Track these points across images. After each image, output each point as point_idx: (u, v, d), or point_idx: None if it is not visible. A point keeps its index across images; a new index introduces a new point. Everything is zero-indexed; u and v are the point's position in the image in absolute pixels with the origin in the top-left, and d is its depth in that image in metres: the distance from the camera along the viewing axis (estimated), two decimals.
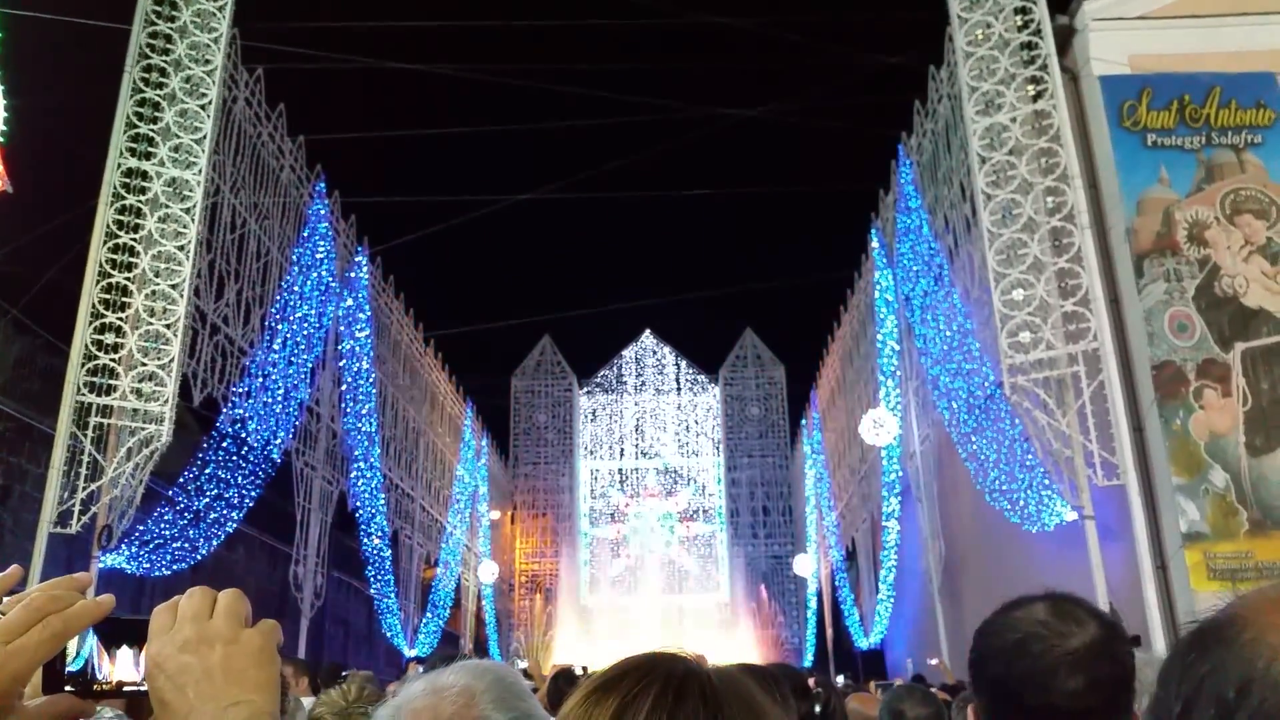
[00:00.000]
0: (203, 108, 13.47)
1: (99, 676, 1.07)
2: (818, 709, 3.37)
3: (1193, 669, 0.80)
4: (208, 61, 13.59)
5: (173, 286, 12.68)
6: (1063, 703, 1.56)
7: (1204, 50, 12.92)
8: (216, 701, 0.98)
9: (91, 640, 1.07)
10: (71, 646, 1.06)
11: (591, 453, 32.73)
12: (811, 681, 3.51)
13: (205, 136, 13.42)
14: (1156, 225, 12.42)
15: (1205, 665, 0.79)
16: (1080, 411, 11.69)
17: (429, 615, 24.44)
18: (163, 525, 13.18)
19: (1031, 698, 1.59)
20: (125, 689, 1.08)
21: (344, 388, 19.64)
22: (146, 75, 13.14)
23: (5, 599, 1.05)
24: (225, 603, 1.07)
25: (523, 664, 15.89)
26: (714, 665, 1.06)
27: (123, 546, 12.16)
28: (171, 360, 12.47)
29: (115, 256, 12.37)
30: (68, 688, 1.06)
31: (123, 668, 1.08)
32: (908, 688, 4.97)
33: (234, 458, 14.59)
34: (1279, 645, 0.75)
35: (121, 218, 12.53)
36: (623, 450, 32.76)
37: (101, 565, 11.81)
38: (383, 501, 20.75)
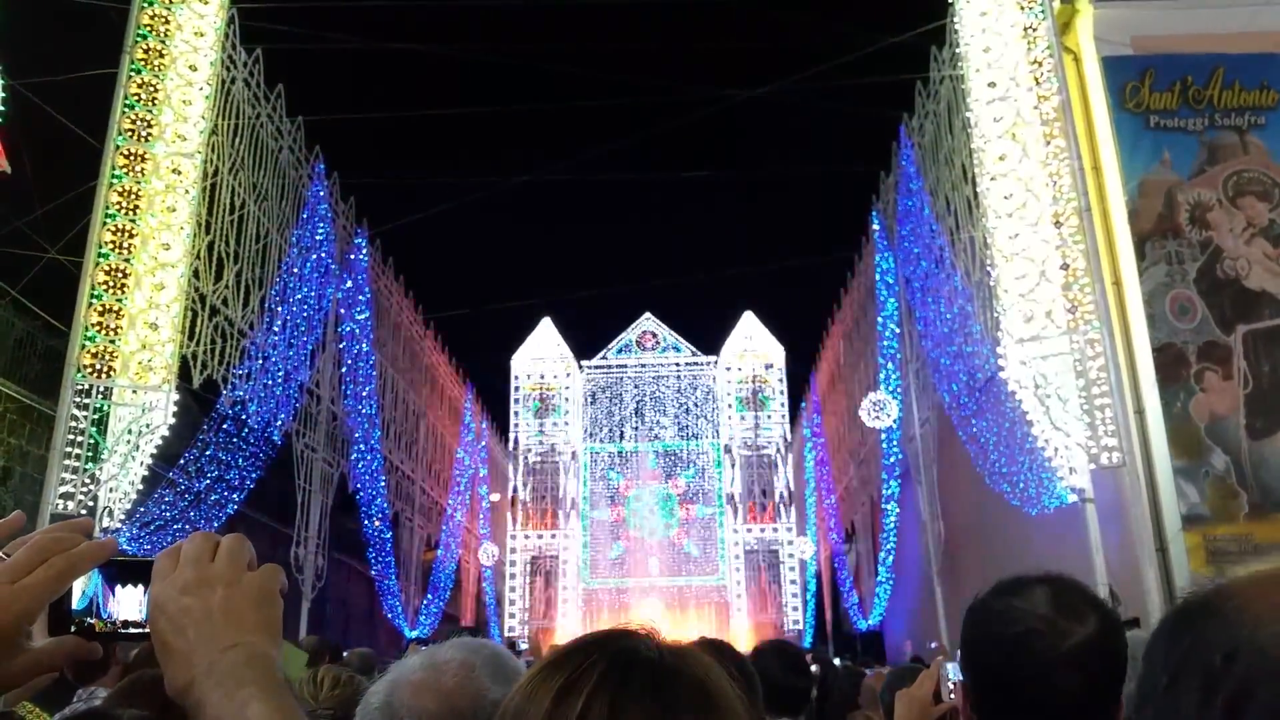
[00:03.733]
0: (201, 88, 13.43)
1: (104, 615, 1.08)
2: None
3: (1178, 642, 0.81)
4: (206, 42, 13.54)
5: (172, 268, 12.67)
6: (1058, 699, 1.58)
7: (1207, 31, 12.86)
8: (216, 643, 0.99)
9: (96, 579, 1.08)
10: (77, 586, 1.06)
11: (591, 435, 32.72)
12: (809, 658, 3.51)
13: (203, 117, 13.40)
14: (1159, 207, 12.39)
15: (1190, 637, 0.80)
16: (1081, 394, 11.69)
17: (430, 597, 24.53)
18: (163, 507, 13.20)
19: (1028, 692, 1.60)
20: (125, 630, 1.09)
21: (344, 370, 19.64)
22: (145, 56, 13.09)
23: (9, 542, 1.05)
24: (227, 546, 1.07)
25: (523, 646, 15.95)
26: (672, 641, 1.02)
27: (124, 528, 12.18)
28: (171, 342, 12.48)
29: (114, 238, 12.34)
30: (72, 628, 1.06)
31: (127, 606, 1.09)
32: (909, 668, 5.02)
33: (234, 440, 14.60)
34: (1263, 615, 0.76)
35: (120, 199, 12.49)
36: (622, 433, 32.73)
37: None
38: (383, 484, 20.79)
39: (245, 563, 1.07)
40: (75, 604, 1.07)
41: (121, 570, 1.10)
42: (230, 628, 1.00)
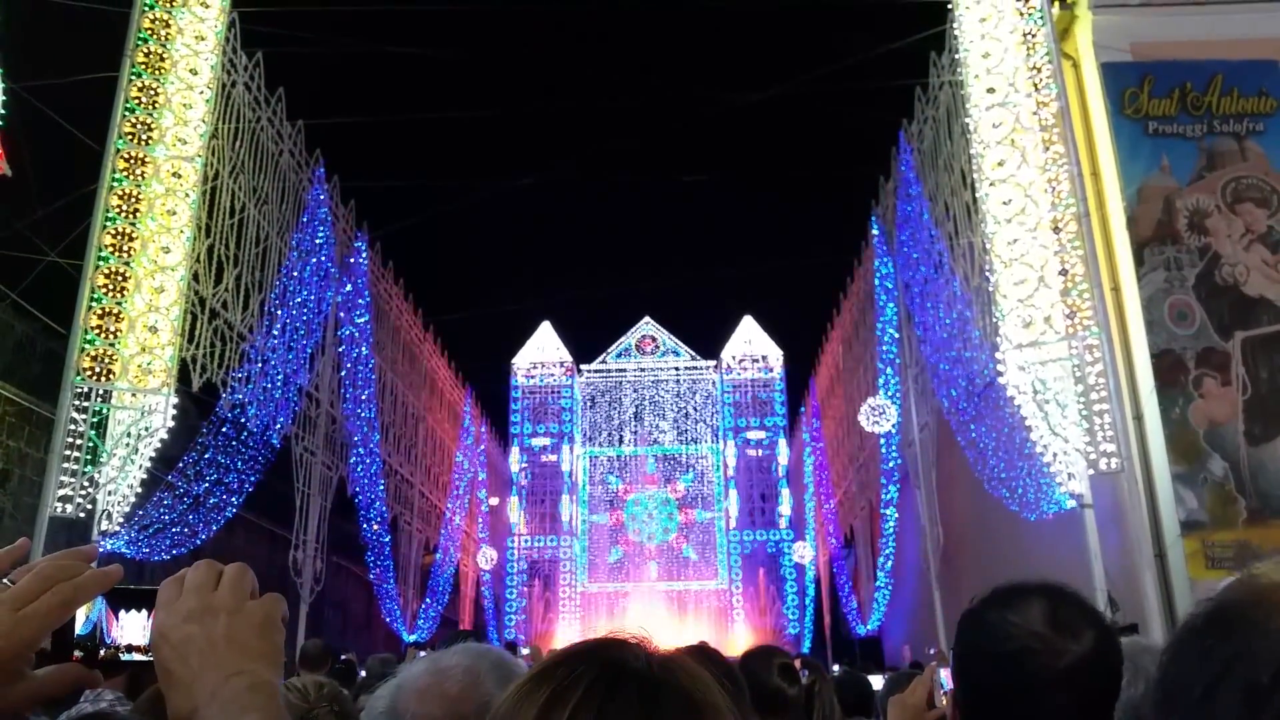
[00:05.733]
0: (201, 92, 13.45)
1: (107, 641, 1.09)
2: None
3: (1215, 652, 0.77)
4: (206, 45, 13.56)
5: (171, 271, 12.68)
6: (1048, 717, 1.56)
7: (1206, 37, 12.88)
8: (219, 671, 0.99)
9: (100, 605, 1.08)
10: (80, 612, 1.07)
11: (590, 439, 32.70)
12: (798, 663, 3.50)
13: (204, 121, 13.41)
14: (1157, 213, 12.41)
15: (1230, 649, 0.76)
16: (1079, 399, 11.69)
17: (428, 601, 24.51)
18: (162, 510, 13.19)
19: (1019, 710, 1.58)
20: (128, 656, 1.10)
21: (343, 373, 19.63)
22: (146, 59, 13.11)
23: (14, 569, 1.06)
24: (230, 574, 1.08)
25: (525, 651, 15.94)
26: (667, 651, 0.99)
27: (122, 531, 12.18)
28: (170, 345, 12.48)
29: (114, 241, 12.35)
30: (76, 653, 1.07)
31: (130, 631, 1.09)
32: (907, 674, 5.03)
33: (233, 443, 14.59)
34: None
35: (120, 202, 12.51)
36: (621, 437, 32.72)
37: (101, 550, 11.83)
38: (382, 487, 20.78)
39: (248, 591, 1.08)
40: (79, 629, 1.08)
41: (125, 596, 1.10)
42: (233, 655, 1.01)
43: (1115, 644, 1.62)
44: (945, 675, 2.48)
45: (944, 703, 2.41)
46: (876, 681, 6.74)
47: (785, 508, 31.31)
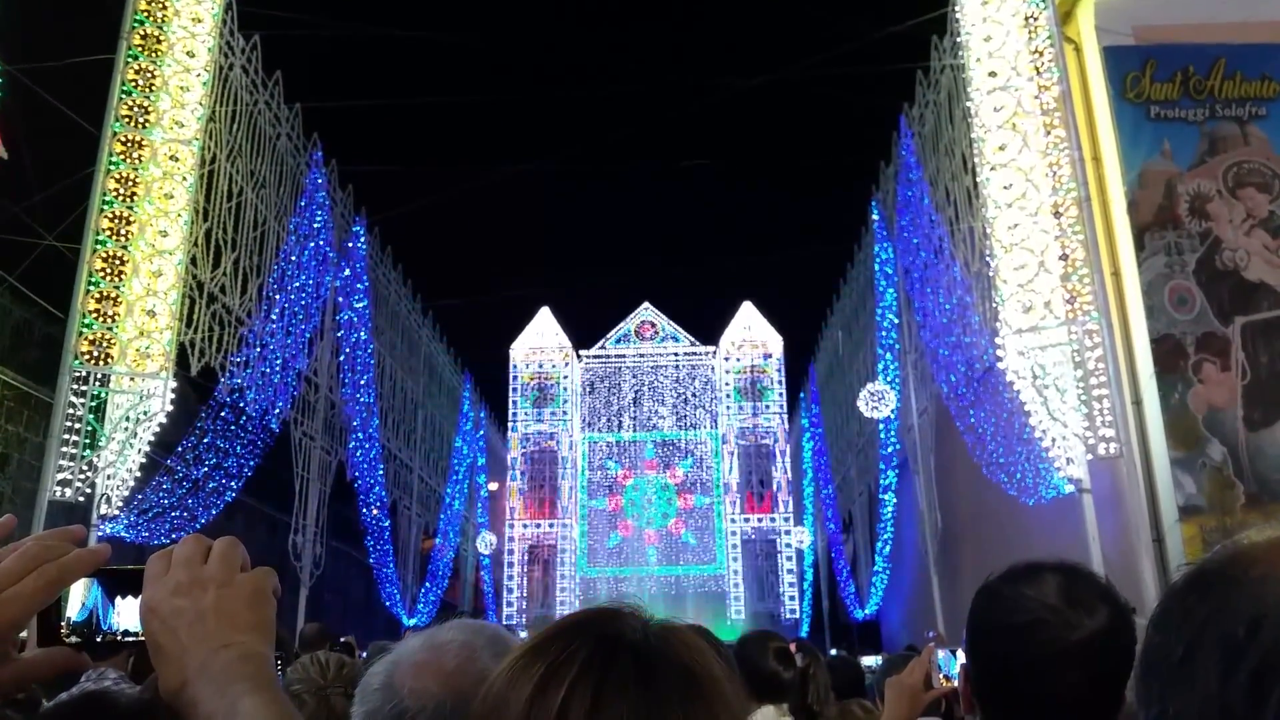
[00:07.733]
0: (198, 75, 13.39)
1: (104, 627, 1.07)
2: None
3: (1195, 611, 0.75)
4: (203, 27, 13.50)
5: (169, 255, 12.65)
6: (1058, 693, 1.55)
7: (1209, 21, 12.81)
8: (208, 643, 0.98)
9: (96, 591, 1.07)
10: (75, 597, 1.05)
11: (590, 424, 32.74)
12: (793, 646, 3.52)
13: (201, 104, 13.36)
14: (1158, 198, 12.36)
15: (1208, 605, 0.74)
16: (1079, 384, 11.69)
17: (427, 585, 24.57)
18: (161, 494, 13.21)
19: (1030, 684, 1.57)
20: (127, 639, 1.08)
21: (342, 358, 19.63)
22: (142, 41, 13.04)
23: None
24: (219, 548, 1.07)
25: (524, 635, 15.97)
26: (662, 623, 0.99)
27: (121, 515, 12.19)
28: (169, 329, 12.46)
29: (112, 225, 12.31)
30: (73, 639, 1.05)
31: (127, 617, 1.08)
32: (903, 656, 5.05)
33: (232, 427, 14.60)
34: None
35: (118, 186, 12.46)
36: (620, 422, 32.75)
37: (100, 534, 11.84)
38: (381, 472, 20.81)
39: (237, 564, 1.06)
40: (75, 616, 1.06)
41: (120, 581, 1.08)
42: (223, 628, 1.00)
43: (1129, 622, 1.60)
44: (943, 656, 2.48)
45: (942, 684, 2.41)
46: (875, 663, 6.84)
47: (784, 493, 31.35)
